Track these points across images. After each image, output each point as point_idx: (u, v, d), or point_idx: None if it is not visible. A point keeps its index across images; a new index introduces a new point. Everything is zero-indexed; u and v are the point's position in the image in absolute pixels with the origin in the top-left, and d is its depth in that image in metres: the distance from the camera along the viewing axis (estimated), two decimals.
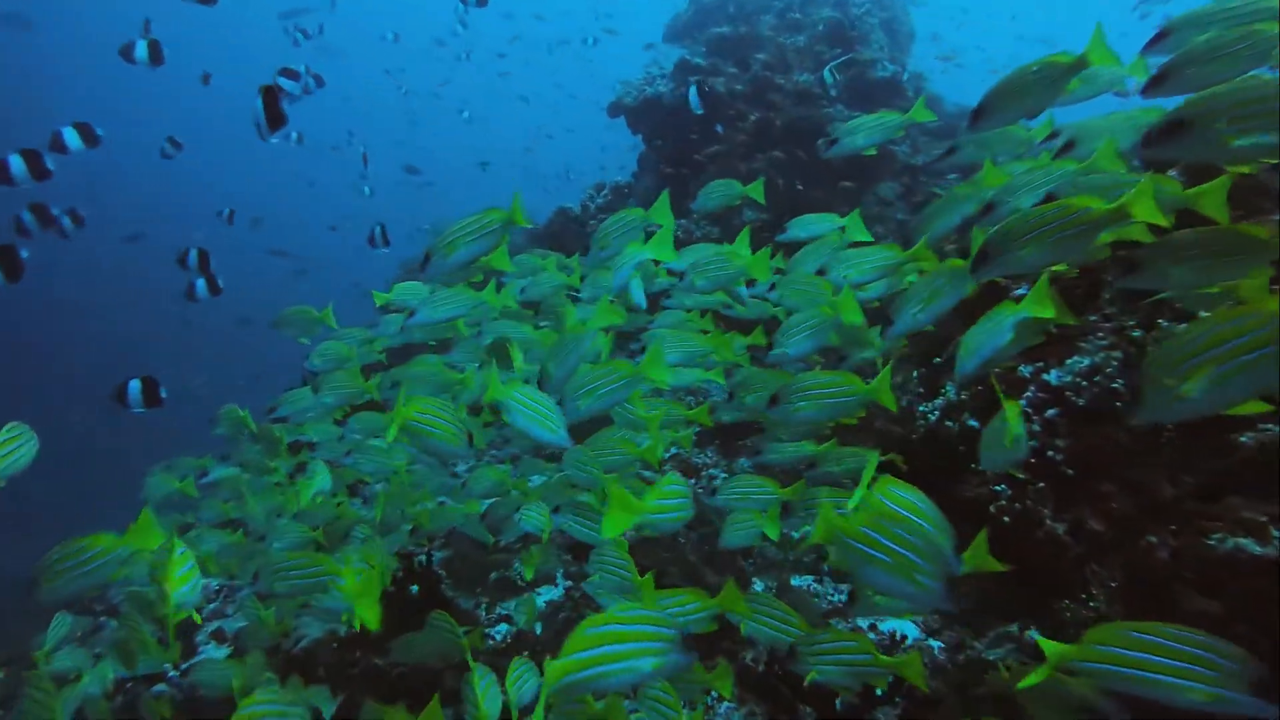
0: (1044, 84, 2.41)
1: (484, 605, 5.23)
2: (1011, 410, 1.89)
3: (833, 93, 7.44)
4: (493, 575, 5.46)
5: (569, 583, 5.12)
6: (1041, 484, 2.27)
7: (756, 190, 4.00)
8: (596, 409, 2.61)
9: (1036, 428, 2.32)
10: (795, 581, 5.02)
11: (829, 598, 4.77)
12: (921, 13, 10.91)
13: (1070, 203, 2.00)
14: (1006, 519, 2.28)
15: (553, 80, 20.98)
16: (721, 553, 4.09)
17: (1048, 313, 1.97)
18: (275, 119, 3.64)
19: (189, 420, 4.14)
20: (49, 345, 27.09)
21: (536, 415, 2.33)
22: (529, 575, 3.84)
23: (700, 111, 6.24)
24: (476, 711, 2.40)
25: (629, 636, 1.59)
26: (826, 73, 7.03)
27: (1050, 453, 2.30)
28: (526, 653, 4.11)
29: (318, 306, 4.08)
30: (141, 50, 4.46)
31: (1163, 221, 1.94)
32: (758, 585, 4.59)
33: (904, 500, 1.44)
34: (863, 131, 3.16)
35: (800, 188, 7.59)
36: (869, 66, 8.14)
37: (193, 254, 5.02)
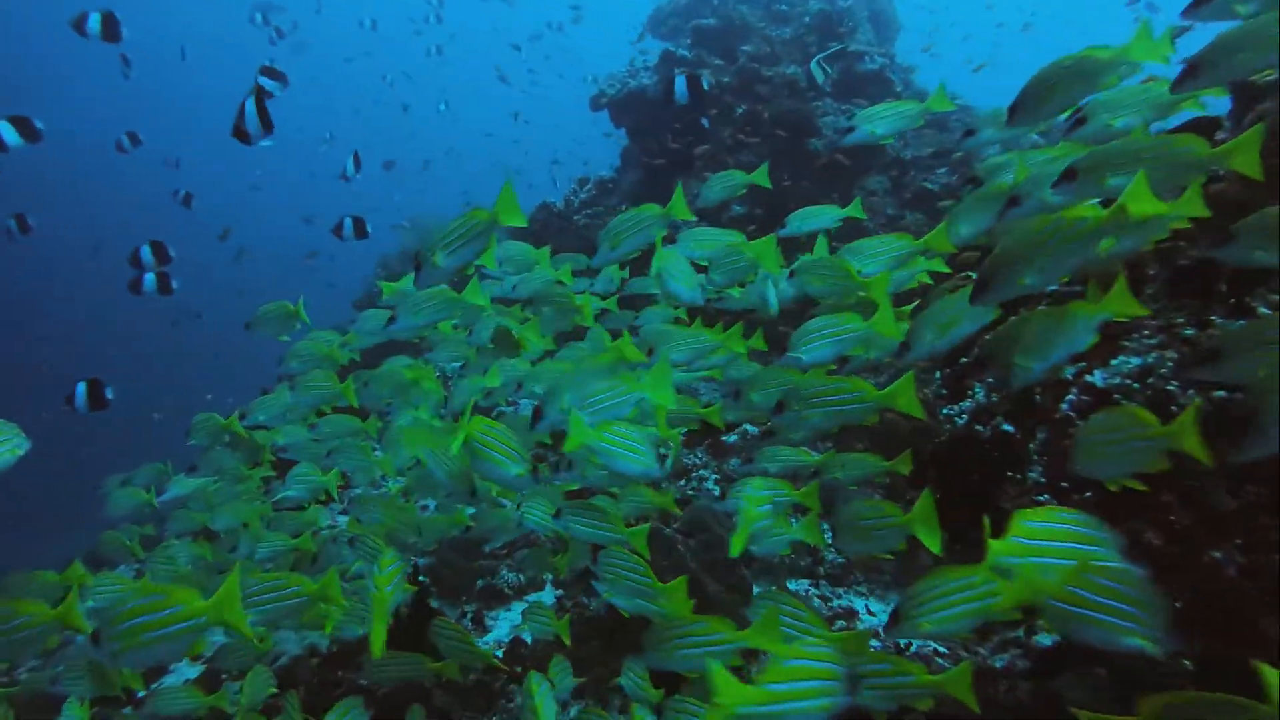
0: (1081, 79, 2.31)
1: (469, 615, 5.06)
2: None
3: (826, 87, 7.26)
4: (479, 582, 5.29)
5: (559, 591, 4.95)
6: (1088, 494, 2.14)
7: (761, 176, 3.84)
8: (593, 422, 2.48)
9: None
10: (791, 585, 4.89)
11: (830, 603, 4.65)
12: (903, 4, 10.80)
13: (1065, 215, 1.93)
14: None
15: (532, 71, 20.67)
16: (721, 560, 3.93)
17: (1137, 310, 1.82)
18: (268, 124, 3.44)
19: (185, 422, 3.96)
20: (50, 348, 26.56)
21: (628, 450, 2.22)
22: (562, 573, 3.69)
23: (686, 102, 6.05)
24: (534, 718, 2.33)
25: (817, 674, 1.48)
26: (814, 66, 6.84)
27: None
28: (526, 665, 3.95)
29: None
30: (94, 23, 4.20)
31: (1163, 210, 1.84)
32: (756, 590, 4.45)
33: (1097, 539, 1.29)
34: (881, 120, 3.01)
35: (788, 182, 7.45)
36: (857, 59, 8.02)
37: (145, 249, 4.77)
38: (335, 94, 27.95)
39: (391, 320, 3.02)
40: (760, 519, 2.28)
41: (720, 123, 7.82)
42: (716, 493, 5.54)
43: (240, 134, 3.39)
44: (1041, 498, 2.19)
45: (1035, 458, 2.27)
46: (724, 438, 6.23)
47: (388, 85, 14.84)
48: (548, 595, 5.17)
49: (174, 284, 4.83)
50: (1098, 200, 2.38)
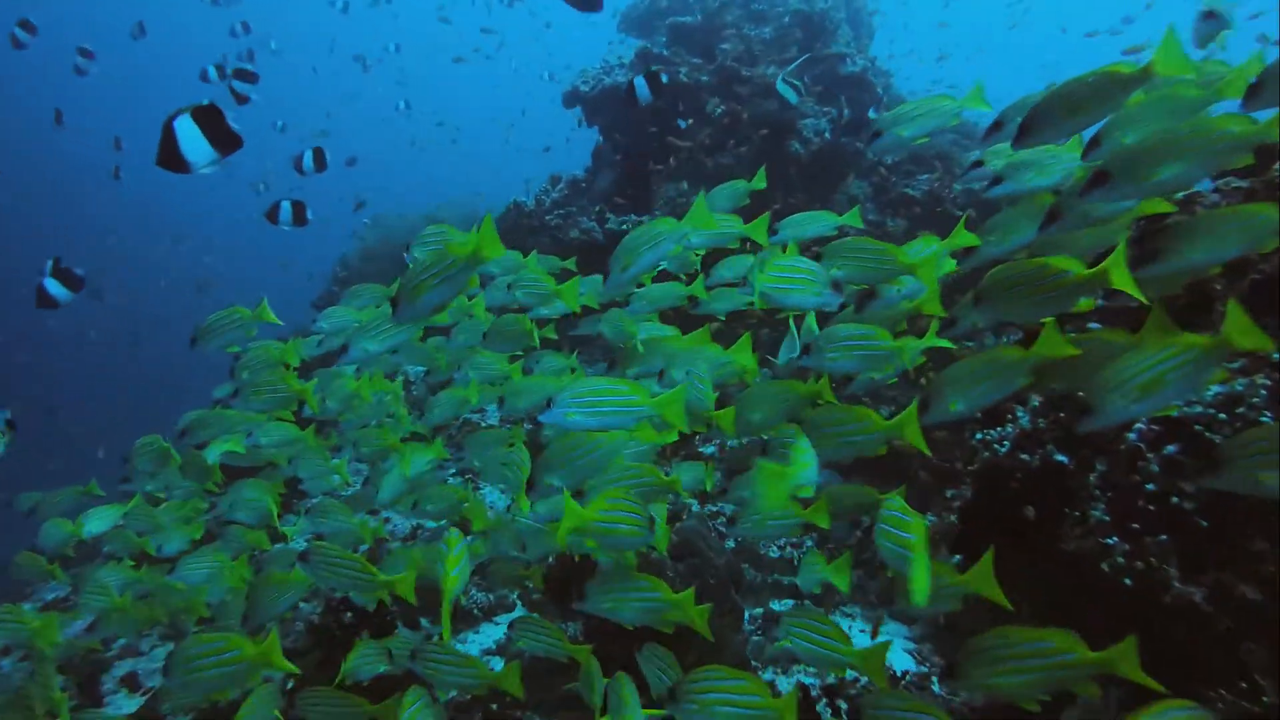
0: (1100, 98, 2.14)
1: (435, 638, 4.76)
2: None
3: (793, 99, 6.95)
4: None
5: (535, 613, 4.67)
6: (1164, 536, 1.92)
7: (760, 181, 3.63)
8: (594, 426, 2.25)
9: (1154, 468, 1.97)
10: (775, 606, 4.70)
11: None
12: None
13: (1049, 264, 1.96)
14: (1128, 580, 1.92)
15: (489, 57, 20.17)
16: (714, 585, 3.69)
17: (1262, 343, 1.60)
18: (226, 142, 2.79)
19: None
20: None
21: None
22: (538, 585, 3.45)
23: (646, 102, 5.79)
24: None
25: None
26: (782, 86, 6.54)
27: (1175, 499, 1.97)
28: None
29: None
30: None
31: (1139, 296, 1.84)
32: (747, 615, 4.26)
33: None
34: (911, 122, 2.76)
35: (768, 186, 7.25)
36: (839, 61, 7.85)
37: (48, 266, 4.38)
38: (303, 88, 27.19)
39: (344, 351, 2.72)
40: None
41: (698, 123, 7.60)
42: (695, 507, 5.32)
43: (172, 162, 2.76)
44: (1110, 540, 1.97)
45: (1097, 494, 2.05)
46: (701, 449, 6.03)
47: (361, 67, 14.34)
48: (518, 615, 4.90)
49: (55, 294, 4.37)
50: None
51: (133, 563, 3.61)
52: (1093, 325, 2.39)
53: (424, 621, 4.70)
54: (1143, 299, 1.85)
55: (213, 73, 6.88)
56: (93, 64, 8.33)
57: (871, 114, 7.35)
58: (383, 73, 18.96)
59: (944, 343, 2.69)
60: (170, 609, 3.31)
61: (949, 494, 4.43)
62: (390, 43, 16.03)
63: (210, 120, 2.76)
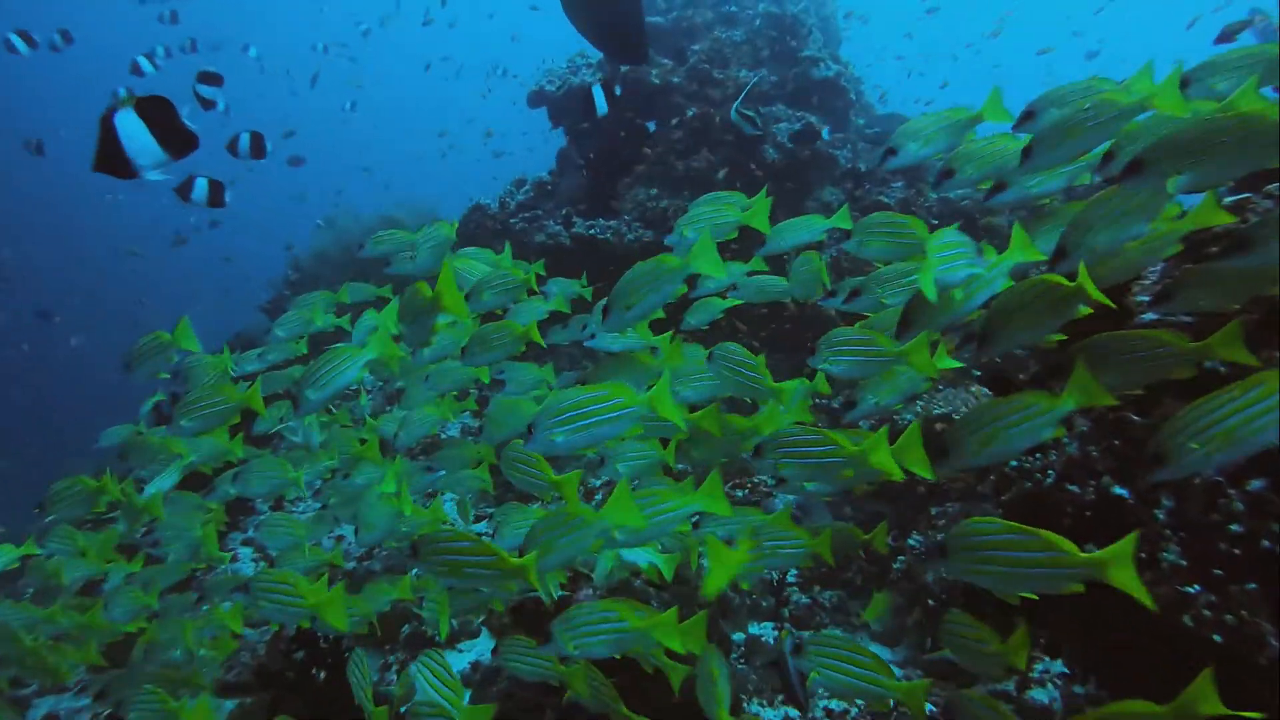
0: (1101, 124, 2.10)
1: (394, 667, 4.49)
2: None
3: (747, 130, 6.70)
4: (404, 629, 4.68)
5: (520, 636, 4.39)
6: (1252, 584, 1.70)
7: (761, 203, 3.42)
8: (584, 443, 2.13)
9: (1238, 506, 1.76)
10: (754, 630, 4.50)
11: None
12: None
13: (1046, 280, 1.96)
14: (1218, 637, 1.70)
15: (447, 59, 19.81)
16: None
17: None
18: (179, 141, 2.42)
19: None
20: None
21: None
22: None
23: (603, 114, 5.61)
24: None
25: None
26: (735, 116, 6.36)
27: (1266, 542, 1.75)
28: None
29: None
30: None
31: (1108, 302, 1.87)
32: (737, 636, 4.07)
33: None
34: (930, 138, 2.54)
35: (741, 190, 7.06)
36: (811, 64, 7.70)
37: None
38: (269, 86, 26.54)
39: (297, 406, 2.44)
40: None
41: (669, 126, 7.38)
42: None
43: (113, 165, 2.36)
44: (1191, 589, 1.75)
45: (1168, 534, 1.84)
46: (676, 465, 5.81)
47: (322, 54, 13.84)
48: (484, 643, 4.63)
49: None
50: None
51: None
52: None
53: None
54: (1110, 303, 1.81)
55: (145, 64, 6.46)
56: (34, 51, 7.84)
57: (825, 135, 7.19)
58: (344, 70, 18.54)
59: (955, 363, 2.51)
60: (86, 657, 2.98)
61: (933, 511, 4.26)
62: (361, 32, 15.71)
63: (158, 115, 2.38)
